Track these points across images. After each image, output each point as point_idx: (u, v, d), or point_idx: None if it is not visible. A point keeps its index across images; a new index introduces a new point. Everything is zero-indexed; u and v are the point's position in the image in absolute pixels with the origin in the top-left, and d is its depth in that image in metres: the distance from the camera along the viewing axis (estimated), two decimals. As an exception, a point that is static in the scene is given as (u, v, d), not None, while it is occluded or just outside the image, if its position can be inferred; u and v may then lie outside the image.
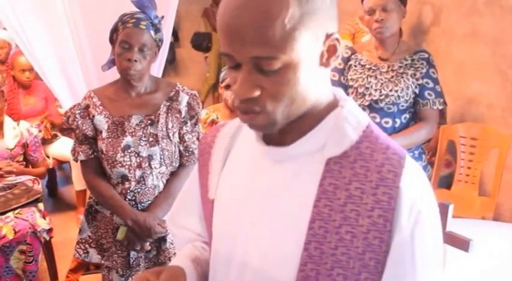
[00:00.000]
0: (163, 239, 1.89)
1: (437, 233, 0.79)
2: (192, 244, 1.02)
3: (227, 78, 2.98)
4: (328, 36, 0.75)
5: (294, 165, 0.79)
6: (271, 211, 0.80)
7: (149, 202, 1.85)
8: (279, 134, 0.80)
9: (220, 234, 0.87)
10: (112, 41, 1.82)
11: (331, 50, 0.76)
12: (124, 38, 1.75)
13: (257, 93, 0.73)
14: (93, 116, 1.83)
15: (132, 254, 1.87)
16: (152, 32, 1.79)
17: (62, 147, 3.67)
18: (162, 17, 1.89)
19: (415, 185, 0.76)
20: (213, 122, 2.97)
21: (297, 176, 0.79)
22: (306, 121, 0.79)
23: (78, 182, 3.51)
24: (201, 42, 6.11)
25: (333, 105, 0.81)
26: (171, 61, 7.03)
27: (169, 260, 1.90)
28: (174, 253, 1.90)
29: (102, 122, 1.82)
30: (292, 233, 0.77)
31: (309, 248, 0.75)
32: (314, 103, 0.78)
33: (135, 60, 1.74)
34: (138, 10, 1.81)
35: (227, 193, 0.87)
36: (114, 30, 1.80)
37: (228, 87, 2.73)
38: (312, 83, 0.75)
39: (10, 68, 3.69)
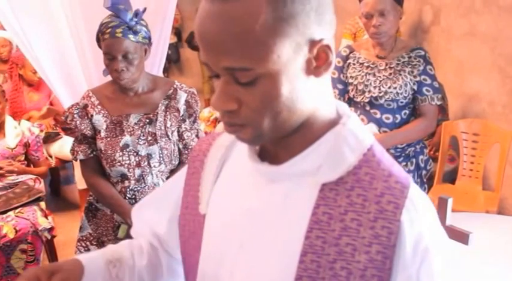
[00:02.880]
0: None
1: (447, 271, 0.70)
2: (130, 242, 0.95)
3: None
4: (314, 42, 0.67)
5: (287, 187, 0.72)
6: (261, 235, 0.73)
7: None
8: (274, 150, 0.75)
9: (208, 253, 0.80)
10: (101, 47, 1.83)
11: (321, 58, 0.68)
12: (105, 49, 1.75)
13: (234, 106, 0.67)
14: (92, 115, 1.83)
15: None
16: (131, 36, 1.74)
17: (64, 146, 3.68)
18: (145, 9, 1.83)
19: (420, 218, 0.68)
20: (216, 120, 3.00)
21: (289, 200, 0.72)
22: (302, 137, 0.72)
23: (81, 181, 3.51)
24: (191, 40, 6.23)
25: (333, 123, 0.73)
26: (176, 60, 7.11)
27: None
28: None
29: (100, 121, 1.83)
30: (282, 264, 0.70)
31: None
32: (309, 116, 0.71)
33: (122, 70, 1.74)
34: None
35: (218, 208, 0.80)
36: (98, 40, 1.80)
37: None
38: (300, 95, 0.68)
39: (19, 67, 3.69)
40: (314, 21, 0.66)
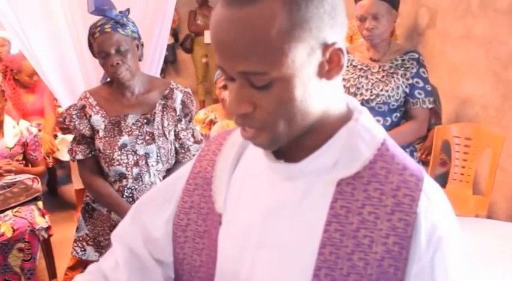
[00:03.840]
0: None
1: (459, 259, 0.73)
2: (98, 266, 0.90)
3: (222, 77, 3.03)
4: (327, 46, 0.68)
5: (304, 184, 0.74)
6: (279, 231, 0.75)
7: None
8: (288, 149, 0.76)
9: (227, 252, 0.81)
10: (94, 55, 1.86)
11: (334, 61, 0.69)
12: (98, 48, 1.79)
13: (249, 109, 0.69)
14: (90, 116, 1.86)
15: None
16: (120, 30, 1.79)
17: (61, 147, 3.70)
18: (128, 9, 1.89)
19: (434, 209, 0.71)
20: (211, 122, 3.01)
21: (306, 196, 0.74)
22: (315, 136, 0.74)
23: (78, 181, 3.52)
24: (184, 42, 6.29)
25: (346, 118, 0.75)
26: (173, 61, 7.17)
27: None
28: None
29: (99, 121, 1.86)
30: (301, 257, 0.72)
31: (319, 274, 0.71)
32: (321, 117, 0.72)
33: (117, 63, 1.77)
34: (101, 17, 1.83)
35: (234, 207, 0.81)
36: (90, 45, 1.84)
37: (226, 87, 2.78)
38: (313, 97, 0.69)
39: (15, 72, 3.73)
40: (327, 24, 0.67)
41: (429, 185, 0.73)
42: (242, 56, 0.65)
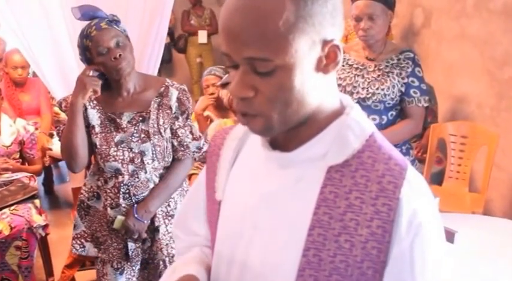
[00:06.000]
0: (156, 230, 1.92)
1: (438, 246, 0.78)
2: (201, 249, 1.02)
3: (208, 77, 3.04)
4: (326, 42, 0.74)
5: (297, 171, 0.80)
6: (273, 215, 0.81)
7: (143, 194, 1.88)
8: (283, 140, 0.82)
9: (224, 235, 0.88)
10: (89, 60, 1.82)
11: (331, 57, 0.75)
12: (97, 44, 1.76)
13: (251, 93, 0.74)
14: (86, 108, 1.85)
15: (130, 245, 1.90)
16: (115, 26, 1.80)
17: (58, 146, 3.70)
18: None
19: (416, 196, 0.75)
20: (208, 118, 3.04)
21: (299, 183, 0.80)
22: (309, 128, 0.79)
23: (75, 179, 3.54)
24: (176, 43, 6.27)
25: (338, 113, 0.81)
26: (168, 61, 7.14)
27: (161, 251, 1.93)
28: (166, 244, 1.93)
29: (94, 116, 1.86)
30: (292, 239, 0.78)
31: (307, 255, 0.76)
32: (315, 109, 0.78)
33: (120, 55, 1.76)
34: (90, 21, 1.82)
35: (233, 194, 0.88)
36: (86, 49, 1.80)
37: (224, 86, 2.79)
38: (309, 89, 0.75)
39: (4, 66, 3.73)
40: (328, 22, 0.74)
41: (412, 175, 0.77)
42: (250, 42, 0.71)
